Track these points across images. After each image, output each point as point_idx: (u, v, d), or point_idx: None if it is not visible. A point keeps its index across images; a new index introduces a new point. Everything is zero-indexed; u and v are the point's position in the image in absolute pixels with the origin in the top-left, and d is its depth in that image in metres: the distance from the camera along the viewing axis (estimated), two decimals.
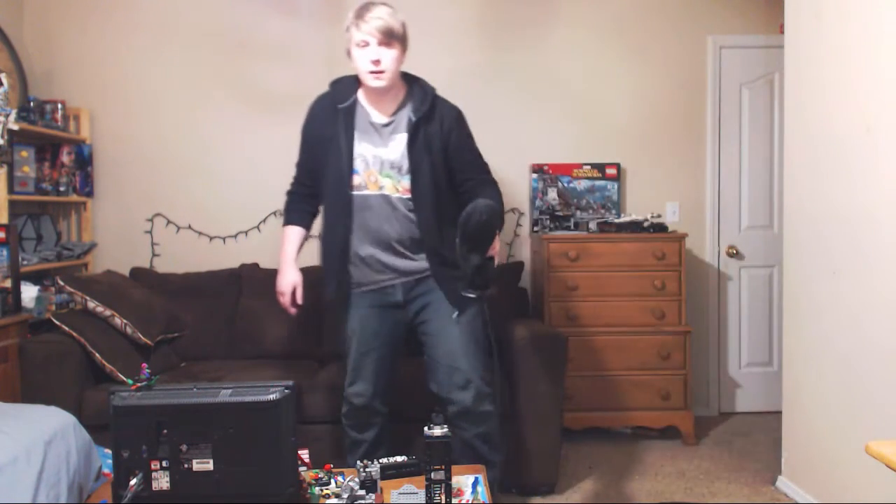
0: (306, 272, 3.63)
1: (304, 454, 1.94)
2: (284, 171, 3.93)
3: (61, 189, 3.63)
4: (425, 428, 1.81)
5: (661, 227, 3.60)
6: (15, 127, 3.08)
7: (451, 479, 1.80)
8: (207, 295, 3.52)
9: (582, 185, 3.90)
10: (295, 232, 2.43)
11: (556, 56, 3.93)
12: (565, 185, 3.89)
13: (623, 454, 3.42)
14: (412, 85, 2.31)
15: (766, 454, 3.38)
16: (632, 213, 3.84)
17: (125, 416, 1.58)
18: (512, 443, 2.86)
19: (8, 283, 3.00)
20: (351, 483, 1.86)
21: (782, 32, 3.08)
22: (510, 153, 3.90)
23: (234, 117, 3.86)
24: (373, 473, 1.87)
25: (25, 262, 3.27)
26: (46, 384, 2.79)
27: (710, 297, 4.03)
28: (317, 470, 1.95)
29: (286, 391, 1.62)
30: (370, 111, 2.28)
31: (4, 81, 3.09)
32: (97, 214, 3.85)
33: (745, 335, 4.06)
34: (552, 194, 3.88)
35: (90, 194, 3.79)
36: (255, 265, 3.69)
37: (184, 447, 1.57)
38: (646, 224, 3.58)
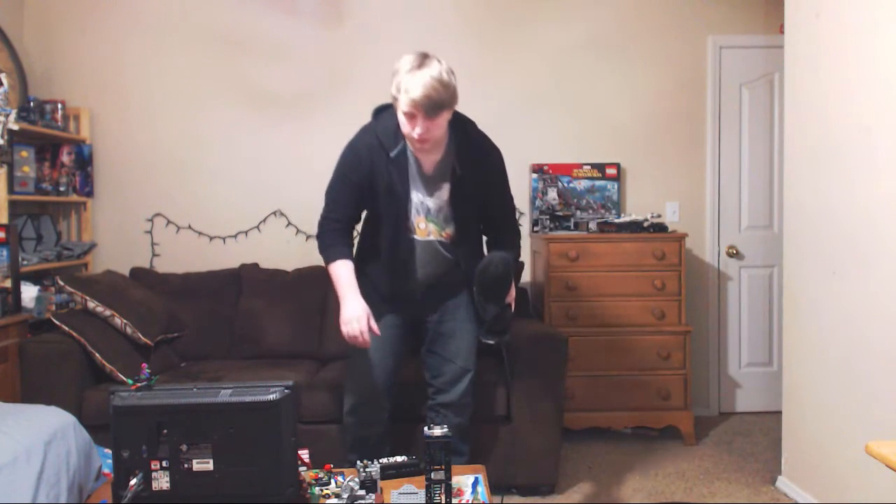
0: (306, 272, 3.67)
1: (304, 454, 1.94)
2: (284, 171, 3.97)
3: (61, 189, 3.63)
4: (425, 428, 1.82)
5: (661, 227, 3.60)
6: (15, 127, 3.08)
7: (451, 479, 1.80)
8: (207, 295, 3.52)
9: (582, 185, 3.90)
10: (348, 266, 2.31)
11: (556, 56, 3.94)
12: (565, 185, 3.89)
13: (623, 454, 3.42)
14: (457, 130, 2.29)
15: (766, 454, 3.38)
16: (632, 213, 3.84)
17: (125, 416, 1.58)
18: (512, 443, 2.86)
19: (8, 283, 3.00)
20: (351, 483, 1.86)
21: (782, 32, 3.08)
22: (510, 153, 3.82)
23: (234, 117, 3.87)
24: (373, 473, 1.87)
25: (25, 262, 3.27)
26: (46, 384, 2.79)
27: (710, 297, 4.03)
28: (317, 470, 1.95)
29: (286, 391, 1.62)
30: (419, 160, 2.27)
31: (4, 81, 3.09)
32: (97, 214, 3.86)
33: (745, 335, 4.06)
34: (552, 194, 3.88)
35: (90, 194, 3.80)
36: (255, 265, 3.69)
37: (184, 447, 1.57)
38: (646, 224, 3.58)
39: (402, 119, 2.15)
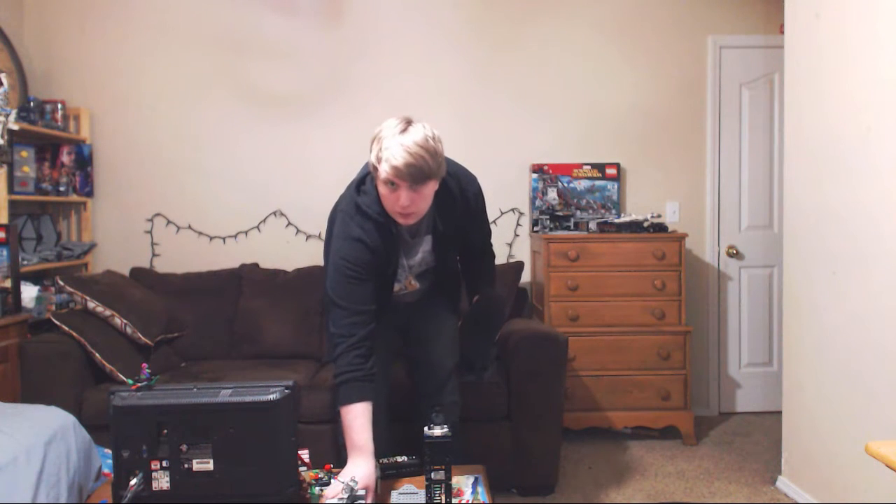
0: (306, 272, 3.67)
1: (304, 454, 1.94)
2: (284, 171, 3.97)
3: (61, 189, 3.63)
4: (425, 428, 1.81)
5: (661, 227, 3.60)
6: (15, 127, 3.08)
7: (451, 479, 1.80)
8: (207, 295, 3.52)
9: (582, 185, 3.90)
10: (366, 413, 1.94)
11: (556, 56, 3.94)
12: (565, 184, 3.89)
13: (623, 454, 3.42)
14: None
15: (766, 454, 3.39)
16: (632, 213, 3.84)
17: (125, 416, 1.58)
18: (512, 443, 2.86)
19: (8, 283, 3.00)
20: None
21: (782, 32, 3.08)
22: (510, 153, 3.90)
23: (234, 117, 3.87)
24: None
25: (25, 262, 3.27)
26: (46, 384, 2.79)
27: (710, 297, 4.03)
28: (317, 470, 1.95)
29: (286, 391, 1.62)
30: (402, 228, 2.11)
31: (4, 81, 3.09)
32: (97, 214, 3.86)
33: (745, 335, 4.06)
34: (552, 194, 3.88)
35: (90, 194, 3.80)
36: (255, 265, 3.70)
37: (184, 447, 1.57)
38: (646, 224, 3.58)
39: (382, 192, 1.93)
